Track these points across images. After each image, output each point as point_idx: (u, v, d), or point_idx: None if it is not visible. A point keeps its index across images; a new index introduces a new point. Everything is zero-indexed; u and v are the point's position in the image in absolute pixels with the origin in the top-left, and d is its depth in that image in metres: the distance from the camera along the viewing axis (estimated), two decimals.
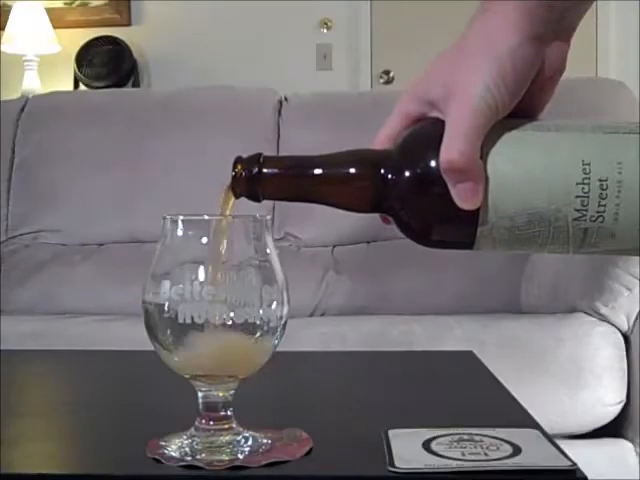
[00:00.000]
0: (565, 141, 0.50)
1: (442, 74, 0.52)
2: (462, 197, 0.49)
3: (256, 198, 0.54)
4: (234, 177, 0.54)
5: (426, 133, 0.51)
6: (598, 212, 0.49)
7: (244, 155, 0.54)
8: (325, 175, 0.53)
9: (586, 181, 0.48)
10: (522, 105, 0.52)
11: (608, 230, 0.49)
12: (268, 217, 0.60)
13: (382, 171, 0.52)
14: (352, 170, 0.53)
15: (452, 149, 0.49)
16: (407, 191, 0.51)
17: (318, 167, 0.53)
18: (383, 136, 0.54)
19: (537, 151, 0.50)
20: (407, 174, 0.51)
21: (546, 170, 0.49)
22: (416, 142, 0.52)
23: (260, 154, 0.53)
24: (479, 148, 0.49)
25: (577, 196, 0.48)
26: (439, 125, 0.50)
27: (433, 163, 0.49)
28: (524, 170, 0.49)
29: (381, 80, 3.71)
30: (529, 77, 0.51)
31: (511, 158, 0.50)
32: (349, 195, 0.53)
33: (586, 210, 0.49)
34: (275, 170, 0.53)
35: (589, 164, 0.48)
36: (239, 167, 0.54)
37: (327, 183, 0.53)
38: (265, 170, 0.53)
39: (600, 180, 0.48)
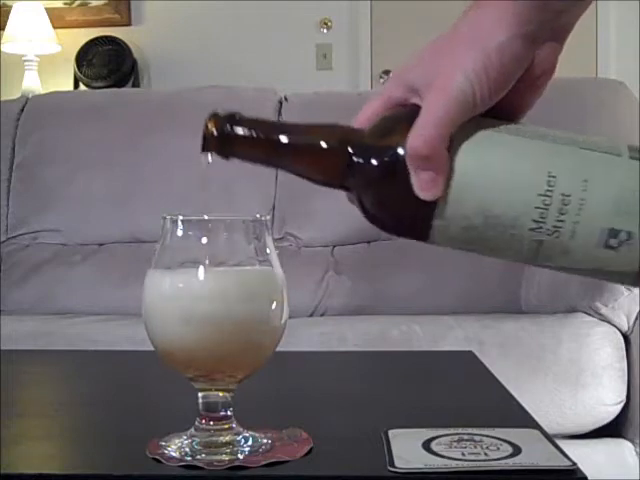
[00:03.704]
0: (536, 149, 0.49)
1: (428, 62, 0.51)
2: (421, 186, 0.49)
3: (224, 156, 0.54)
4: (204, 133, 0.54)
5: (400, 118, 0.50)
6: (555, 227, 0.48)
7: (221, 112, 0.54)
8: (295, 144, 0.53)
9: (548, 193, 0.48)
10: (505, 104, 0.51)
11: (563, 246, 0.49)
12: (268, 217, 0.60)
13: (350, 149, 0.51)
14: (322, 143, 0.52)
15: (419, 136, 0.48)
16: (371, 173, 0.51)
17: (290, 135, 0.53)
18: (362, 116, 0.53)
19: (505, 154, 0.49)
20: (373, 155, 0.51)
21: (510, 175, 0.48)
22: (388, 125, 0.51)
23: (236, 113, 0.53)
24: (447, 139, 0.48)
25: (537, 207, 0.48)
26: (415, 112, 0.49)
27: (400, 148, 0.49)
28: (489, 171, 0.49)
29: (381, 80, 3.71)
30: (515, 75, 0.50)
31: (478, 156, 0.49)
32: (315, 167, 0.53)
33: (544, 222, 0.48)
34: (247, 132, 0.53)
35: (555, 177, 0.48)
36: (212, 123, 0.53)
37: (296, 152, 0.53)
38: (237, 131, 0.53)
39: (563, 195, 0.48)
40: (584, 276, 0.52)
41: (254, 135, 0.53)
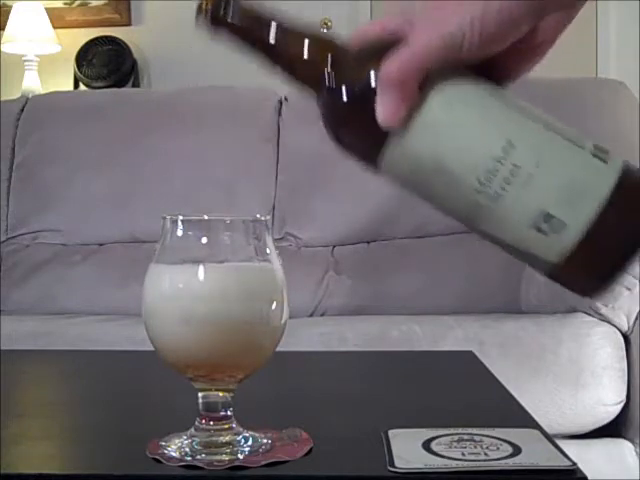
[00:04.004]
0: (504, 115, 0.49)
1: (432, 2, 0.51)
2: (383, 111, 0.49)
3: (212, 34, 0.55)
4: (199, 5, 0.55)
5: (384, 44, 0.51)
6: (497, 193, 0.48)
7: None
8: (281, 43, 0.55)
9: (502, 160, 0.48)
10: (498, 63, 0.51)
11: (498, 215, 0.49)
12: (268, 217, 0.60)
13: (330, 60, 0.52)
14: (306, 47, 0.54)
15: (395, 61, 0.48)
16: (342, 89, 0.51)
17: (278, 34, 0.55)
18: (354, 37, 0.53)
19: (474, 110, 0.49)
20: (349, 73, 0.51)
21: (472, 131, 0.49)
22: (371, 49, 0.52)
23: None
24: (421, 73, 0.48)
25: (487, 169, 0.48)
26: (401, 42, 0.50)
27: (374, 72, 0.49)
28: (453, 120, 0.49)
29: None
30: (511, 36, 0.49)
31: (447, 103, 0.49)
32: (294, 67, 0.54)
33: (489, 186, 0.48)
34: (237, 21, 0.54)
35: (513, 146, 0.48)
36: (206, 2, 0.54)
37: (280, 51, 0.55)
38: (228, 17, 0.54)
39: (514, 165, 0.48)
40: (507, 252, 0.51)
41: (244, 26, 0.55)
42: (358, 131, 0.51)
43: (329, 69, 0.52)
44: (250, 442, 0.58)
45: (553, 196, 0.48)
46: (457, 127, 0.49)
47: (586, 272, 0.50)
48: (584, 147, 0.49)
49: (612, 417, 1.50)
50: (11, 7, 3.52)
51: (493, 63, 0.51)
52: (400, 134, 0.49)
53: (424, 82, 0.49)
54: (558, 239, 0.48)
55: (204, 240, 0.57)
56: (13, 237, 2.30)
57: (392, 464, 0.54)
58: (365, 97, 0.50)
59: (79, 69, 3.59)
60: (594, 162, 0.49)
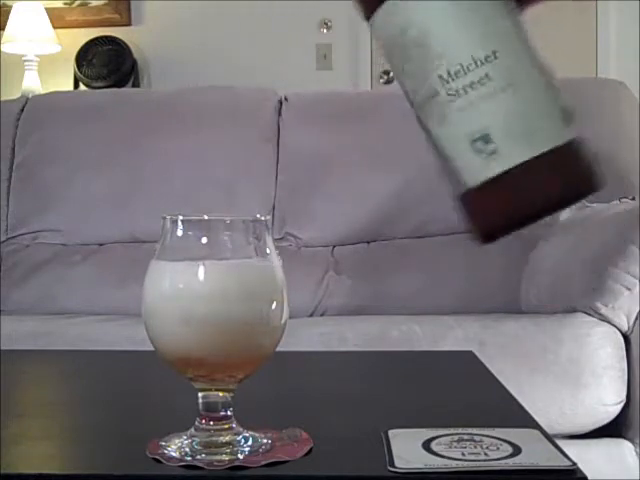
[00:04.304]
0: (506, 30, 0.49)
1: None
2: None
3: None
4: None
5: None
6: (457, 92, 0.48)
7: None
8: None
9: (479, 64, 0.48)
10: None
11: (446, 113, 0.48)
12: (268, 217, 0.60)
13: None
14: None
15: None
16: None
17: None
18: None
19: (482, 8, 0.49)
20: None
21: (469, 25, 0.48)
22: None
23: None
24: None
25: (461, 64, 0.48)
26: None
27: None
28: (459, 7, 0.49)
29: (381, 80, 3.71)
30: None
31: None
32: None
33: (452, 80, 0.48)
34: None
35: (496, 58, 0.48)
36: None
37: None
38: None
39: (487, 75, 0.47)
40: (437, 158, 0.51)
41: None
42: None
43: None
44: (250, 442, 0.58)
45: (504, 122, 0.48)
46: (458, 14, 0.49)
47: (490, 208, 0.49)
48: (556, 100, 0.49)
49: (612, 417, 1.50)
50: (11, 7, 3.53)
51: None
52: (394, 3, 0.49)
53: None
54: (485, 164, 0.48)
55: (204, 240, 0.57)
56: (13, 237, 2.30)
57: (392, 464, 0.54)
58: None
59: (79, 69, 3.59)
60: (556, 116, 0.49)
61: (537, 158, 0.48)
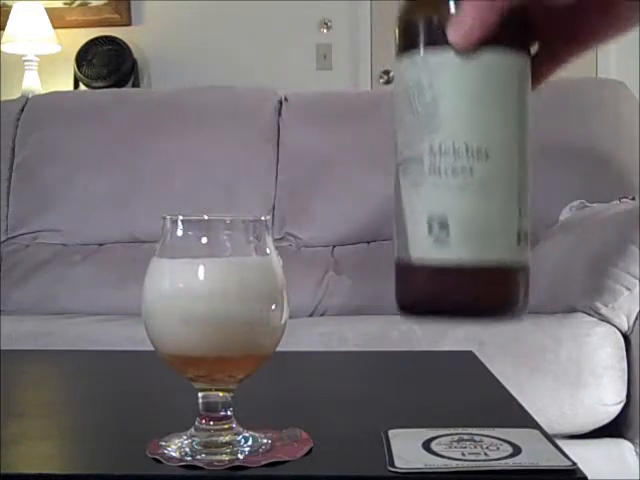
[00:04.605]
0: (508, 121, 0.49)
1: None
2: (458, 22, 0.47)
3: None
4: None
5: None
6: (437, 169, 0.48)
7: None
8: None
9: (468, 152, 0.48)
10: (570, 25, 0.49)
11: (420, 184, 0.49)
12: (268, 217, 0.60)
13: None
14: None
15: (468, 11, 0.47)
16: None
17: None
18: None
19: (497, 97, 0.49)
20: None
21: (477, 104, 0.48)
22: None
23: None
24: (500, 10, 0.46)
25: (452, 144, 0.48)
26: None
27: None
28: (477, 85, 0.48)
29: (381, 80, 3.71)
30: None
31: (490, 66, 0.48)
32: None
33: (439, 156, 0.48)
34: None
35: (486, 155, 0.48)
36: None
37: None
38: None
39: (470, 169, 0.48)
40: (395, 212, 0.51)
41: None
42: (425, 15, 0.50)
43: None
44: (250, 442, 0.58)
45: (464, 219, 0.48)
46: (475, 96, 0.48)
47: (419, 286, 0.50)
48: (520, 218, 0.49)
49: (612, 417, 1.50)
50: (11, 7, 3.53)
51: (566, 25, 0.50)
52: (444, 50, 0.48)
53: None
54: (432, 246, 0.49)
55: (204, 240, 0.57)
56: (13, 237, 2.30)
57: (392, 464, 0.54)
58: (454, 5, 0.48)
59: (79, 69, 3.59)
60: (513, 234, 0.49)
61: (479, 265, 0.49)
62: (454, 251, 0.49)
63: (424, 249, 0.49)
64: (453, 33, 0.48)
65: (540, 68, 0.52)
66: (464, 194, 0.48)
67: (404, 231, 0.51)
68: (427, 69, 0.49)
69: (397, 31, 0.53)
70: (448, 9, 0.49)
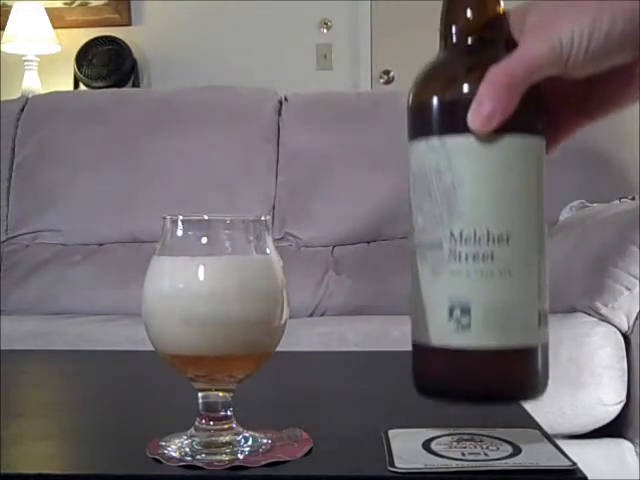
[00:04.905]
0: (526, 202, 0.49)
1: (549, 6, 0.48)
2: (478, 108, 0.47)
3: None
4: None
5: (494, 52, 0.49)
6: (459, 256, 0.48)
7: None
8: None
9: (490, 237, 0.48)
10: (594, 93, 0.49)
11: (440, 271, 0.49)
12: (268, 217, 0.60)
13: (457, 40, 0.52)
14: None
15: (505, 67, 0.47)
16: (451, 70, 0.51)
17: None
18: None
19: (521, 183, 0.49)
20: (461, 56, 0.51)
21: (497, 190, 0.48)
22: (485, 48, 0.50)
23: None
24: (525, 86, 0.47)
25: (474, 230, 0.48)
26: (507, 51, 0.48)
27: (482, 67, 0.48)
28: (500, 168, 0.48)
29: (381, 80, 3.71)
30: (620, 55, 0.46)
31: (511, 150, 0.48)
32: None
33: (460, 243, 0.48)
34: None
35: (506, 239, 0.48)
36: None
37: None
38: None
39: (491, 254, 0.48)
40: (412, 296, 0.53)
41: None
42: (441, 97, 0.50)
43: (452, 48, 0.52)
44: (250, 442, 0.58)
45: (487, 305, 0.48)
46: (495, 181, 0.48)
47: (440, 372, 0.51)
48: (540, 300, 0.51)
49: (612, 417, 1.50)
50: (11, 7, 3.52)
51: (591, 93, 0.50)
52: (463, 135, 0.48)
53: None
54: (454, 332, 0.49)
55: (204, 240, 0.57)
56: (13, 237, 2.30)
57: (392, 464, 0.54)
58: (468, 93, 0.48)
59: (79, 69, 3.59)
60: (534, 317, 0.52)
61: (501, 349, 0.49)
62: (476, 337, 0.48)
63: (445, 334, 0.49)
64: (473, 118, 0.47)
65: (549, 137, 0.51)
66: (485, 280, 0.48)
67: (423, 315, 0.50)
68: (445, 153, 0.48)
69: (411, 112, 0.52)
70: (462, 89, 0.48)
